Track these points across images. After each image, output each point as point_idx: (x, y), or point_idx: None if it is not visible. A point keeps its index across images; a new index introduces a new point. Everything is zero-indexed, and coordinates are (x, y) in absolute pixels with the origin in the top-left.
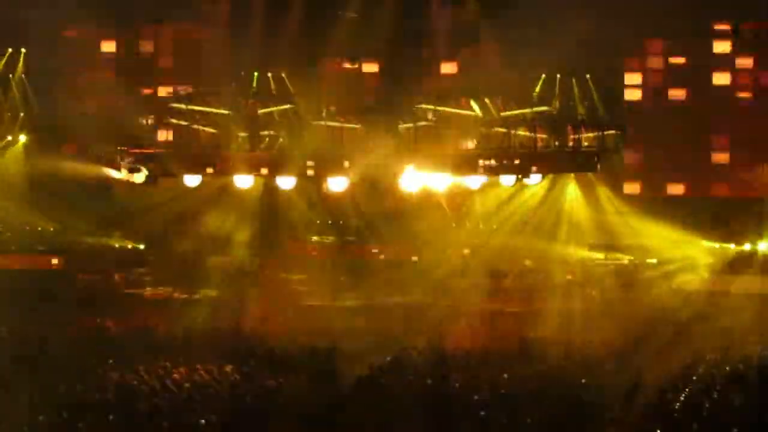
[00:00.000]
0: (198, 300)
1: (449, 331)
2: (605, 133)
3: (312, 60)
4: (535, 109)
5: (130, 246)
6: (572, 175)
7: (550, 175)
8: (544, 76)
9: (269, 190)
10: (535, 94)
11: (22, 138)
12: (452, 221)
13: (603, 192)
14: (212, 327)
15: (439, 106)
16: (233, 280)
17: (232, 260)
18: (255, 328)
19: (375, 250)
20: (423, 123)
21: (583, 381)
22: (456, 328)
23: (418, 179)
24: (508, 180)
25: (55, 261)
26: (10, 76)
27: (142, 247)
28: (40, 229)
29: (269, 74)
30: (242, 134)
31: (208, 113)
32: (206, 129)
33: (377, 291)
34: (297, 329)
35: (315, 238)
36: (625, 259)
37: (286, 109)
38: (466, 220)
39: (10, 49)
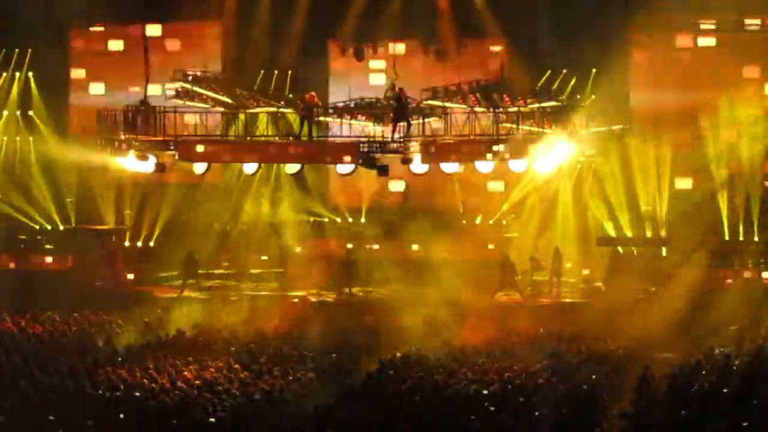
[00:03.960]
0: (207, 297)
1: (460, 326)
2: (612, 127)
3: (318, 55)
4: (544, 104)
5: (139, 243)
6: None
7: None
8: (549, 71)
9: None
10: (538, 86)
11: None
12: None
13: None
14: (222, 324)
15: (446, 102)
16: (242, 275)
17: (242, 254)
18: (265, 325)
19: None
20: (431, 120)
21: (594, 377)
22: (466, 323)
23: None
24: (517, 165)
25: (61, 260)
26: (17, 74)
27: (152, 244)
28: (50, 228)
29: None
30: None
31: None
32: (218, 109)
33: (385, 287)
34: (305, 325)
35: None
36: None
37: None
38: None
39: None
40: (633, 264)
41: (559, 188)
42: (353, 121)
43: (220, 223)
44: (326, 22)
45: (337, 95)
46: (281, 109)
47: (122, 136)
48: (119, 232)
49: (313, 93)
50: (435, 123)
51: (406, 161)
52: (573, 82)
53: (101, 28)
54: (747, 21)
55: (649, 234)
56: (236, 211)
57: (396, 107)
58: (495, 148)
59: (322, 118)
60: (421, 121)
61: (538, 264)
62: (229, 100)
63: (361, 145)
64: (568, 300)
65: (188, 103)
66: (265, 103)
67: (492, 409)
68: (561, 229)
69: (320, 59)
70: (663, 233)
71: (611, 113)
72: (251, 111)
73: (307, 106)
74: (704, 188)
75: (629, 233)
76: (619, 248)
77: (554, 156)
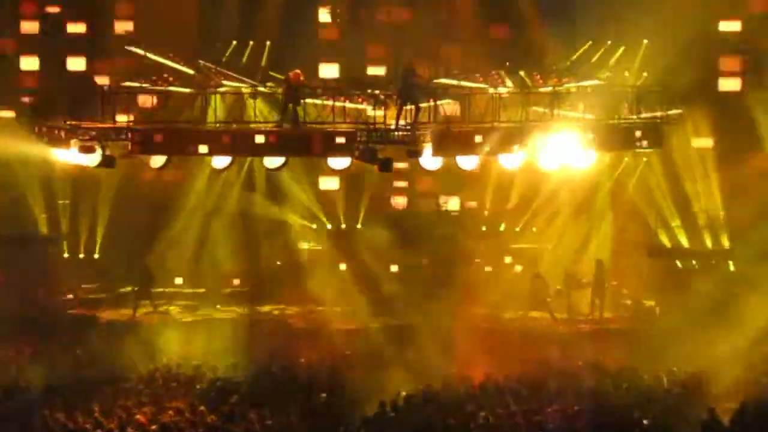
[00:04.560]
0: (167, 323)
1: (479, 358)
2: (669, 113)
3: (305, 22)
4: (582, 83)
5: (81, 254)
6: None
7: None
8: (590, 42)
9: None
10: (569, 62)
11: None
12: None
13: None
14: (184, 356)
15: (462, 80)
16: (210, 296)
17: (208, 270)
18: (238, 356)
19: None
20: (445, 102)
21: (645, 422)
22: (487, 353)
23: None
24: (549, 162)
25: None
26: None
27: (96, 255)
28: None
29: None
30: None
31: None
32: (179, 90)
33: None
34: (289, 357)
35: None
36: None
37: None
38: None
39: None
40: (693, 280)
41: (599, 188)
42: (348, 104)
43: (181, 228)
44: None
45: (328, 72)
46: (258, 87)
47: (64, 123)
48: (55, 241)
49: (298, 71)
50: (449, 106)
51: (414, 154)
52: (618, 55)
53: None
54: None
55: (709, 244)
56: (202, 214)
57: (402, 87)
58: (476, 139)
59: (309, 100)
60: (432, 103)
61: (575, 280)
62: (191, 71)
63: (359, 133)
64: (612, 325)
65: (145, 85)
66: (236, 79)
67: None
68: (603, 237)
69: (307, 28)
70: (726, 243)
71: (665, 95)
72: (221, 91)
73: (292, 86)
74: None
75: (684, 242)
76: (678, 262)
77: (560, 150)
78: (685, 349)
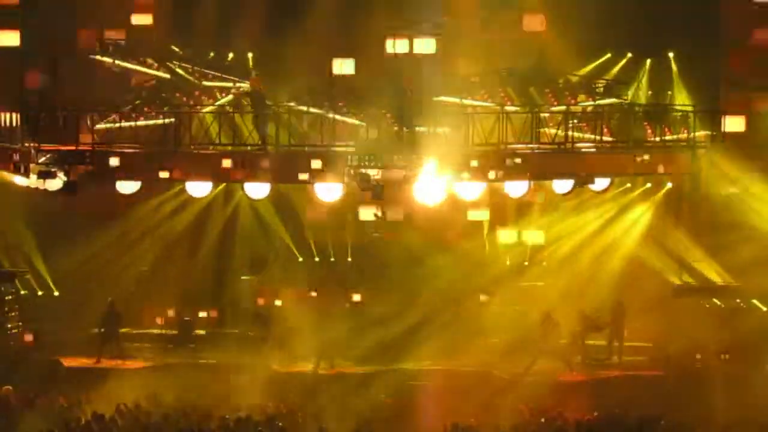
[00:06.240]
0: (134, 369)
1: (485, 408)
2: (696, 134)
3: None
4: (599, 101)
5: (39, 292)
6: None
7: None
8: (609, 54)
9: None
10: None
11: None
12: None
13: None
14: (155, 404)
15: (464, 97)
16: (181, 339)
17: (175, 310)
18: (214, 407)
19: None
20: (443, 129)
21: None
22: (492, 406)
23: (439, 187)
24: (562, 186)
25: None
26: None
27: (56, 293)
28: None
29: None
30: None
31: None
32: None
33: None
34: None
35: None
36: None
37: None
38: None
39: None
40: (724, 321)
41: (618, 217)
42: (338, 116)
43: (150, 262)
44: None
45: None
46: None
47: (21, 146)
48: (10, 276)
49: (257, 76)
50: (450, 127)
51: (410, 180)
52: (646, 69)
53: None
54: None
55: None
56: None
57: (395, 100)
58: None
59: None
60: (430, 129)
61: (591, 322)
62: (166, 75)
63: (350, 156)
64: (632, 370)
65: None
66: (217, 78)
67: None
68: (621, 273)
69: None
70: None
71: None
72: (204, 111)
73: (255, 94)
74: None
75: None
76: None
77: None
78: (718, 397)
